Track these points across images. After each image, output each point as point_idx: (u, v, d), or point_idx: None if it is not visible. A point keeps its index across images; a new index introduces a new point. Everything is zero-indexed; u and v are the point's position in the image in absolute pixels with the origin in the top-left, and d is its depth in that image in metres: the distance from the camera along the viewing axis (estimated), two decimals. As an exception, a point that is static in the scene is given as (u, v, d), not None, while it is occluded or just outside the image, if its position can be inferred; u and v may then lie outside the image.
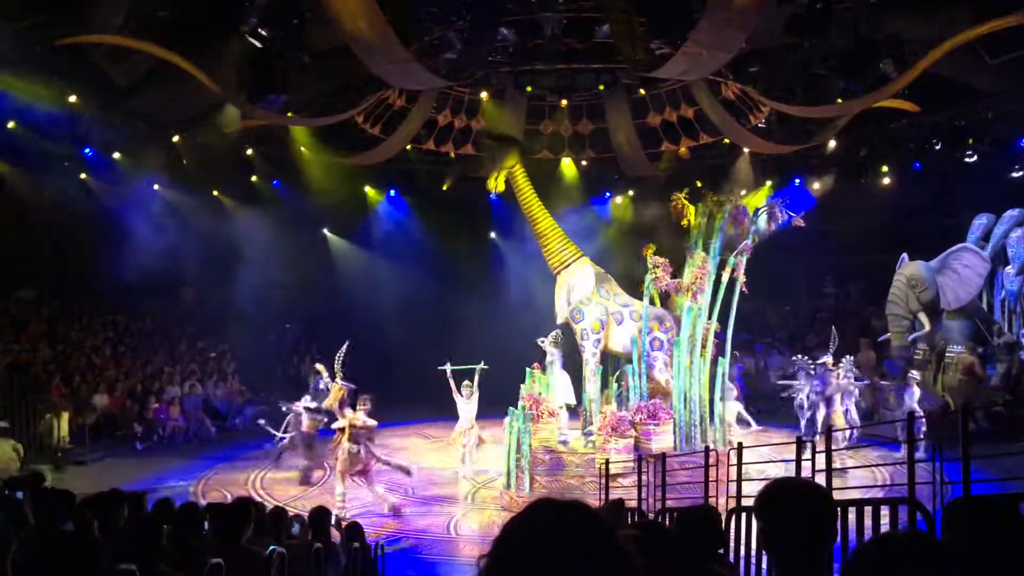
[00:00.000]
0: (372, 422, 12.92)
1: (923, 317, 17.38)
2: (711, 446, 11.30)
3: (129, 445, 17.59)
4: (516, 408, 13.73)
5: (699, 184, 22.03)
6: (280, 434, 15.59)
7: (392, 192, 24.09)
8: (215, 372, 21.18)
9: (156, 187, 19.48)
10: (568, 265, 15.06)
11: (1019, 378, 16.19)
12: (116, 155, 18.57)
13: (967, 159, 18.12)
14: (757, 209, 14.05)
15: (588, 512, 1.44)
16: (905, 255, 17.95)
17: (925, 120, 17.34)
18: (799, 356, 16.67)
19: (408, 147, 19.98)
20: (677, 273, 13.99)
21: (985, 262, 17.04)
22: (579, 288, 14.83)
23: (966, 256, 17.13)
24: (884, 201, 19.85)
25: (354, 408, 12.94)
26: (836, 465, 7.67)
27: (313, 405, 15.24)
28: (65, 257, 19.41)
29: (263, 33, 12.98)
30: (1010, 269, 17.40)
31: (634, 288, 14.72)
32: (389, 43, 12.24)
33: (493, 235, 25.71)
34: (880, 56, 13.58)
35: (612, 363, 15.17)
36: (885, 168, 20.20)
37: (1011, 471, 7.64)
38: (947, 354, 17.26)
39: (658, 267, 13.76)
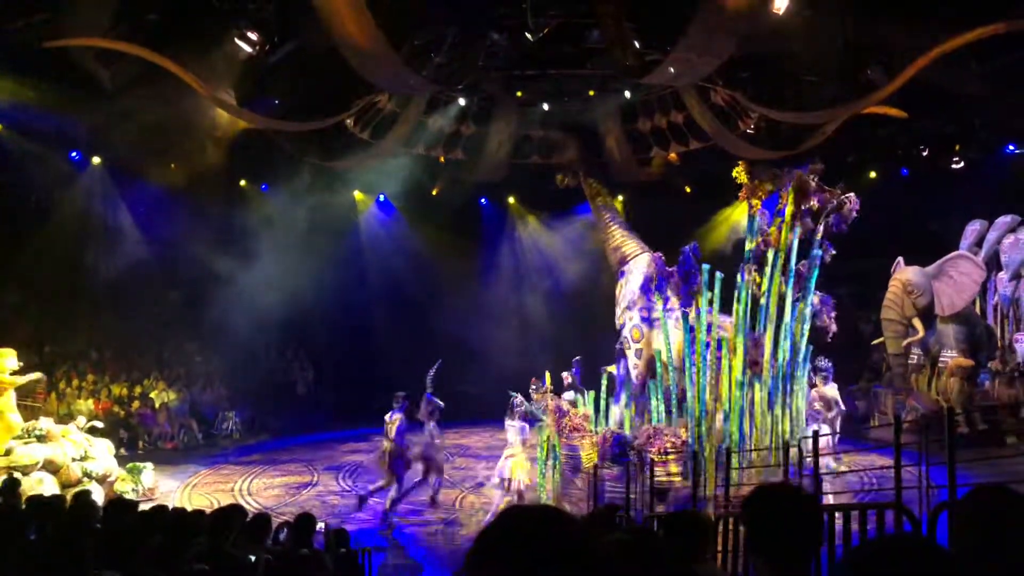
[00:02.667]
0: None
1: (917, 322, 17.43)
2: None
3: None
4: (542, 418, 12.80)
5: (688, 190, 22.11)
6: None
7: (381, 196, 24.06)
8: (201, 377, 21.06)
9: (142, 190, 19.38)
10: (625, 263, 13.92)
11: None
12: (103, 158, 18.49)
13: (954, 165, 18.23)
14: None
15: (561, 519, 1.42)
16: (901, 259, 17.99)
17: (913, 126, 17.43)
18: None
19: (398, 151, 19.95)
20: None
21: (981, 270, 17.14)
22: (628, 289, 13.54)
23: (963, 263, 17.21)
24: (872, 206, 19.91)
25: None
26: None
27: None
28: (51, 260, 19.26)
29: (252, 37, 12.94)
30: (1003, 275, 17.53)
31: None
32: (379, 47, 12.22)
33: (483, 239, 25.72)
34: (868, 63, 13.65)
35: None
36: (873, 174, 20.28)
37: (999, 474, 7.66)
38: (941, 359, 17.32)
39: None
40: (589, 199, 15.89)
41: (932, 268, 17.47)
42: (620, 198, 24.47)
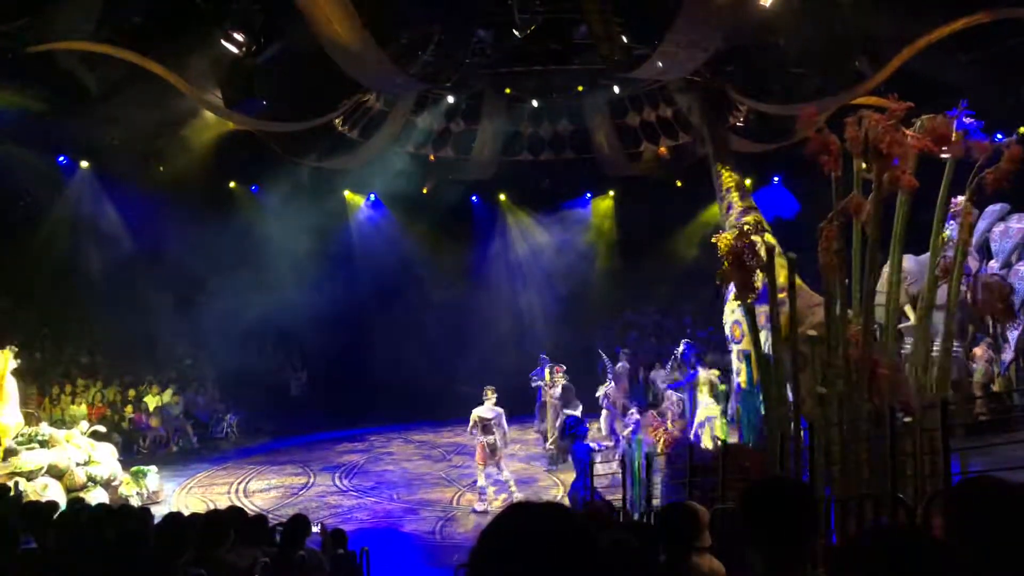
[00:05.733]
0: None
1: (908, 310, 17.45)
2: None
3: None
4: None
5: (679, 183, 22.06)
6: None
7: (372, 196, 24.01)
8: (195, 380, 20.99)
9: (132, 194, 19.27)
10: None
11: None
12: (91, 162, 18.39)
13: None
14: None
15: (564, 515, 1.42)
16: None
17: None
18: None
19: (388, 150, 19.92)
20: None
21: (974, 259, 17.19)
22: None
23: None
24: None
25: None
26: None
27: None
28: (41, 266, 19.15)
29: (238, 38, 12.89)
30: (993, 263, 17.59)
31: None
32: (366, 47, 12.21)
33: (475, 238, 25.70)
34: (855, 54, 13.69)
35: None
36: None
37: (993, 463, 7.70)
38: (934, 348, 17.35)
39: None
40: (718, 183, 15.12)
41: (925, 257, 17.49)
42: (611, 193, 24.64)
